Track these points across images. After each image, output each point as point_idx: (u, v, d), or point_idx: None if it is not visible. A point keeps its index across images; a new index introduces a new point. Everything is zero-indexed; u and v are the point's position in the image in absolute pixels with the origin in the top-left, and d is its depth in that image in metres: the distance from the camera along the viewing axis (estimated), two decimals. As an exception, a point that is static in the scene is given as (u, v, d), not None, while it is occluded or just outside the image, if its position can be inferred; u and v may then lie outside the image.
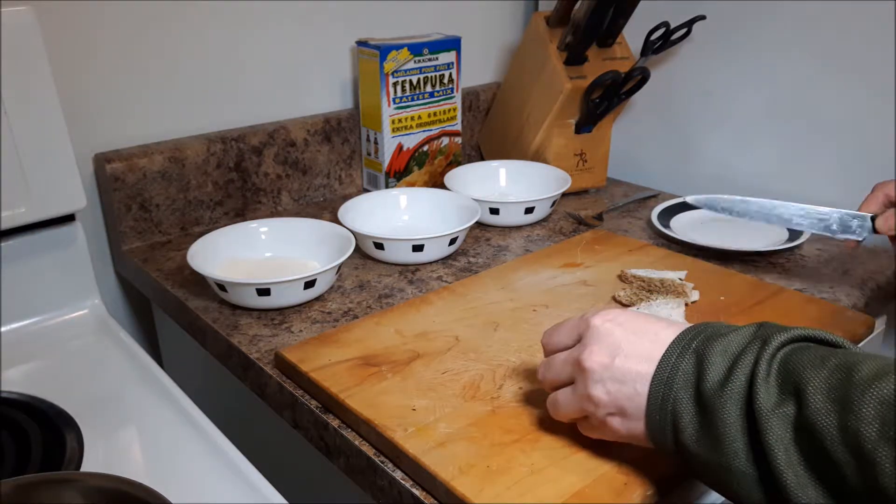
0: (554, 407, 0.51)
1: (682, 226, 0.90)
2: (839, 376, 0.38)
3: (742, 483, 0.41)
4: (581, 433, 0.51)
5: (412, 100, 0.99)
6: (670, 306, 0.68)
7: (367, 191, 1.05)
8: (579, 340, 0.49)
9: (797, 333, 0.43)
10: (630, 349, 0.46)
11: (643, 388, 0.45)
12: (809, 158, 0.92)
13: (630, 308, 0.67)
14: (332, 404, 0.58)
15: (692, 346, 0.45)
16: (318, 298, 0.75)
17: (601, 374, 0.46)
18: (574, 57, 0.97)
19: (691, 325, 0.47)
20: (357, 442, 0.55)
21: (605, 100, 0.97)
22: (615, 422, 0.47)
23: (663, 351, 0.46)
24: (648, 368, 0.45)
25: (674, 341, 0.46)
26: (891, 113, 0.83)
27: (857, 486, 0.37)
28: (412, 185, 1.04)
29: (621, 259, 0.80)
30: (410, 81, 0.98)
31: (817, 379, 0.39)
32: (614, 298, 0.72)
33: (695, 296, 0.71)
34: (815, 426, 0.38)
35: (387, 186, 1.01)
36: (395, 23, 1.06)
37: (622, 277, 0.76)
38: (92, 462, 0.57)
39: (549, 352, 0.52)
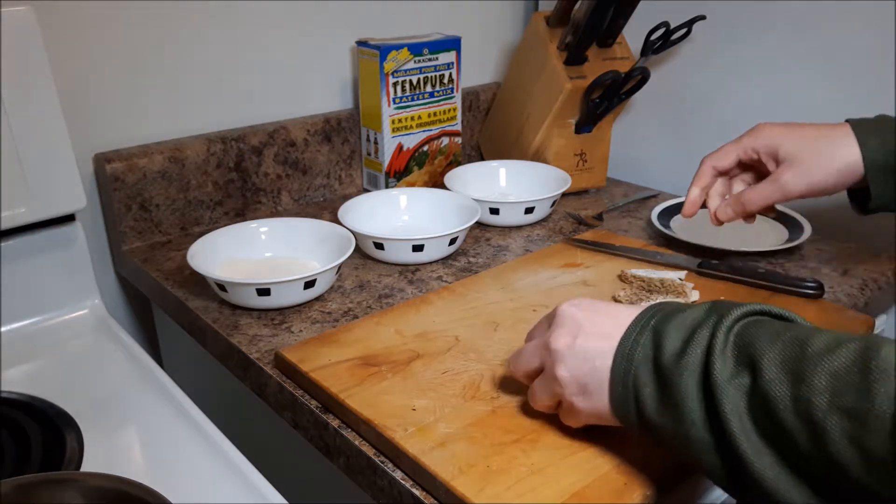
0: (532, 396, 0.53)
1: (682, 226, 0.90)
2: (793, 349, 0.40)
3: (701, 450, 0.43)
4: (580, 432, 0.51)
5: (412, 100, 0.99)
6: (670, 306, 0.68)
7: (367, 191, 1.05)
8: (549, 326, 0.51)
9: (752, 308, 0.45)
10: (591, 329, 0.48)
11: (602, 363, 0.47)
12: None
13: None
14: (332, 404, 0.58)
15: (650, 323, 0.47)
16: (318, 298, 0.75)
17: (564, 353, 0.48)
18: (574, 57, 0.97)
19: (650, 304, 0.49)
20: (357, 442, 0.55)
21: (605, 100, 0.97)
22: (579, 401, 0.48)
23: (624, 329, 0.47)
24: (608, 345, 0.47)
25: (634, 320, 0.47)
26: (891, 113, 0.83)
27: (809, 453, 0.38)
28: (412, 185, 1.04)
29: (621, 259, 0.80)
30: (410, 81, 0.98)
31: (772, 352, 0.40)
32: (614, 298, 0.72)
33: (695, 296, 0.71)
34: (768, 396, 0.39)
35: (387, 186, 1.01)
36: (395, 23, 1.06)
37: (622, 277, 0.76)
38: (92, 462, 0.57)
39: (528, 340, 0.55)
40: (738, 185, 0.75)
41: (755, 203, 0.70)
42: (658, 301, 0.49)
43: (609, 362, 0.47)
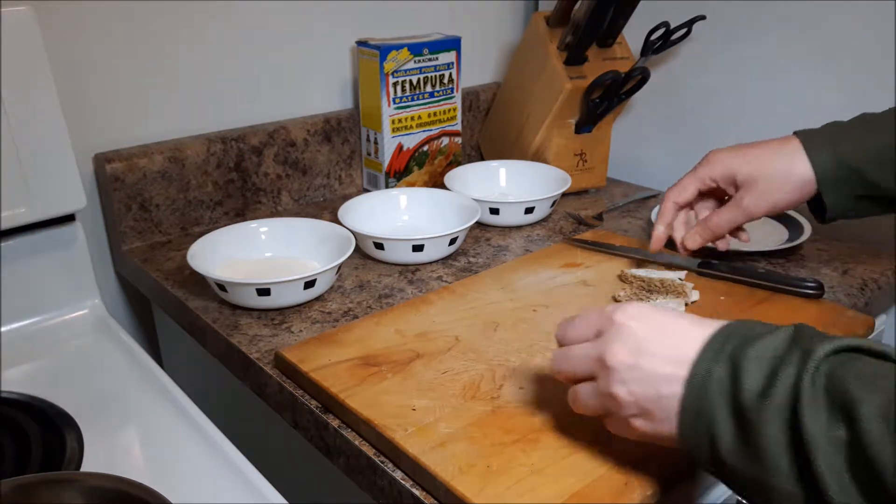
0: (574, 401, 0.50)
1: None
2: None
3: (786, 501, 0.39)
4: (580, 432, 0.51)
5: (412, 100, 0.99)
6: (670, 307, 0.68)
7: (367, 191, 1.05)
8: (599, 335, 0.48)
9: (841, 344, 0.40)
10: (655, 349, 0.44)
11: (669, 391, 0.43)
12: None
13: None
14: (332, 404, 0.58)
15: (726, 349, 0.42)
16: (318, 298, 0.75)
17: (624, 373, 0.45)
18: (574, 57, 0.97)
19: (720, 324, 0.45)
20: (357, 442, 0.55)
21: (605, 100, 0.97)
22: (638, 423, 0.46)
23: (692, 353, 0.43)
24: (675, 371, 0.43)
25: (706, 344, 0.43)
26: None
27: None
28: (412, 185, 1.04)
29: (621, 259, 0.80)
30: (410, 81, 0.98)
31: (871, 403, 0.36)
32: (614, 298, 0.72)
33: (695, 296, 0.71)
34: (873, 459, 0.35)
35: (387, 186, 1.01)
36: (395, 23, 1.06)
37: (622, 277, 0.76)
38: (92, 462, 0.57)
39: (564, 344, 0.51)
40: (703, 212, 0.77)
41: (721, 227, 0.72)
42: (734, 321, 0.45)
43: (678, 391, 0.43)
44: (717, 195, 0.76)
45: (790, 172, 0.67)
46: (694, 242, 0.75)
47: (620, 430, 0.48)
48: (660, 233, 0.77)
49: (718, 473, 0.43)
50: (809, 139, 0.67)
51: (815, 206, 0.72)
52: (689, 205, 0.77)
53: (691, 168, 0.75)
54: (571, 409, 0.50)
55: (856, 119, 0.69)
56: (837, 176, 0.66)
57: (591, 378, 0.48)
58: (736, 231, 0.76)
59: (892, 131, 0.65)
